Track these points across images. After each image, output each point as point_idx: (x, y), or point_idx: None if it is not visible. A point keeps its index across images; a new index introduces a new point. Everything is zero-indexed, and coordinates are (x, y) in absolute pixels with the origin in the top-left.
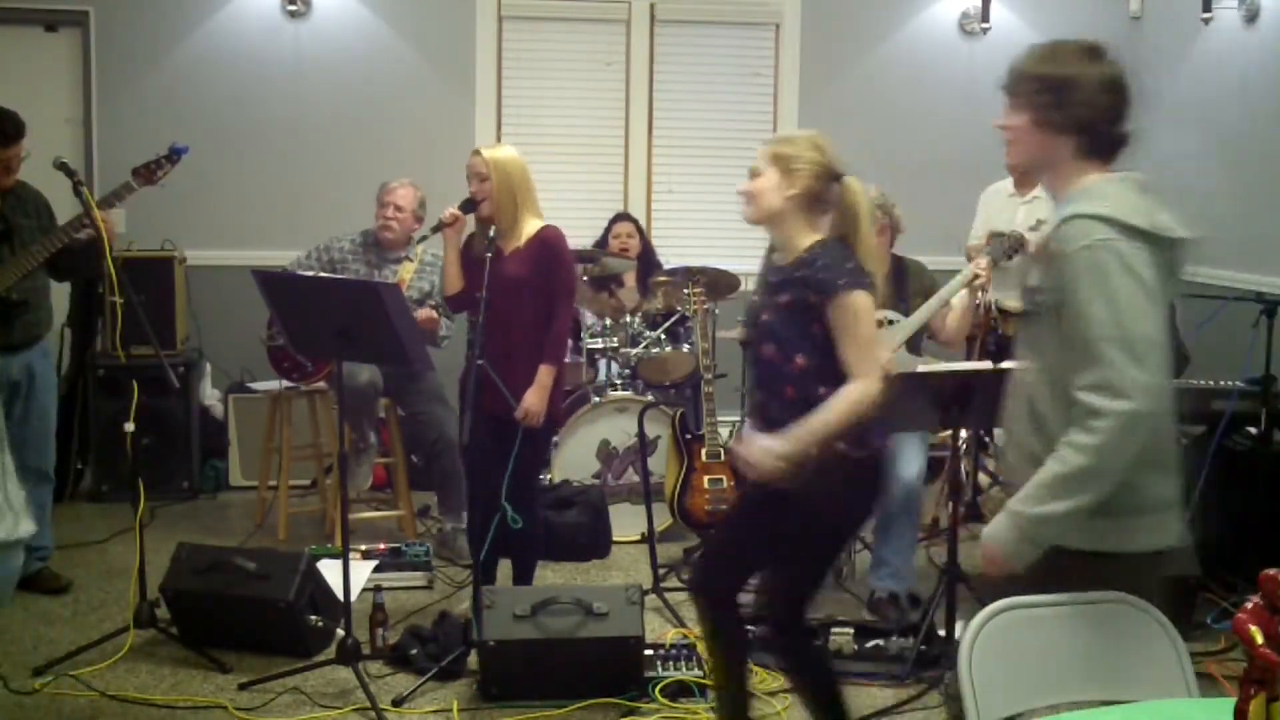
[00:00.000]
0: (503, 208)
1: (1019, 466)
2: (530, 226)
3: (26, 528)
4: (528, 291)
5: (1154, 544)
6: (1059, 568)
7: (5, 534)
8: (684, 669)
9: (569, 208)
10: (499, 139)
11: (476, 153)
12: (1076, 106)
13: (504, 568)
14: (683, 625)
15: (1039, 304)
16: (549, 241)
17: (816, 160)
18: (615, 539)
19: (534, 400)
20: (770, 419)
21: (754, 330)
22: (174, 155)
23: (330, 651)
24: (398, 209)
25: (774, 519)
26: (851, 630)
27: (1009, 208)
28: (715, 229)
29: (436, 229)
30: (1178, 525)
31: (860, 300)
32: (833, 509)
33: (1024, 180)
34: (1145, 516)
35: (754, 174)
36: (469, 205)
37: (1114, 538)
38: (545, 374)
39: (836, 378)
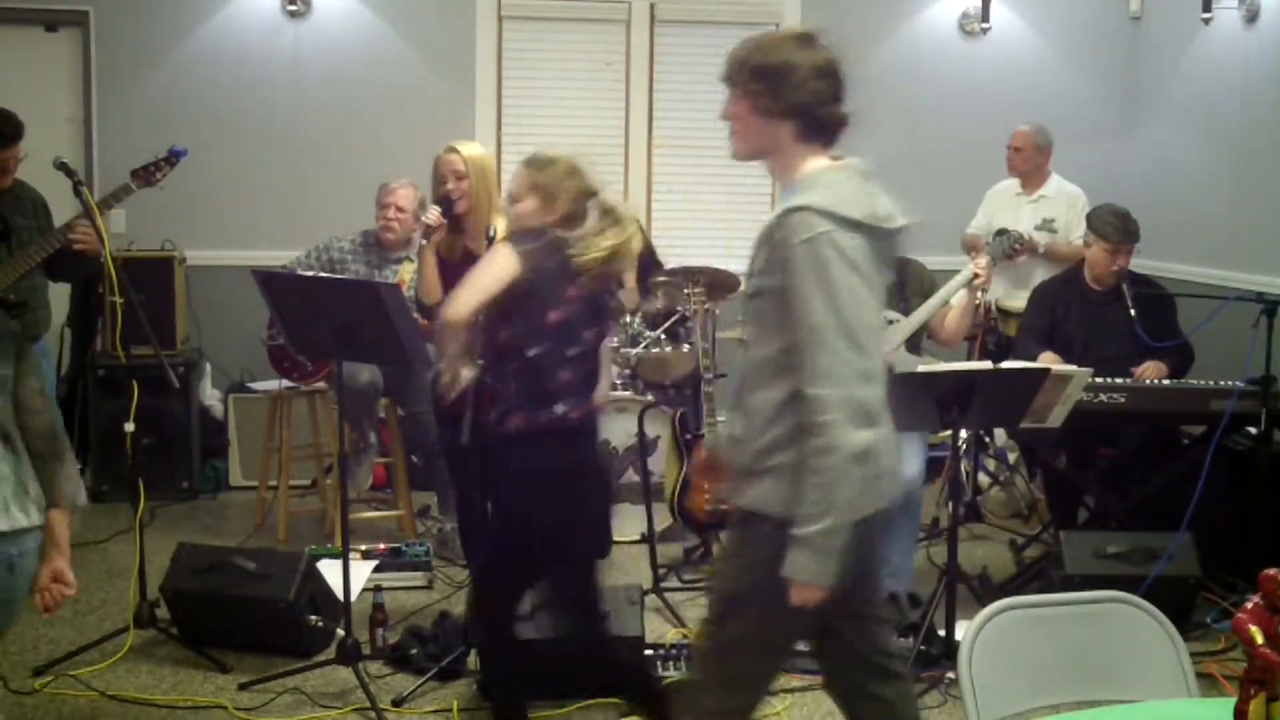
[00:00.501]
0: (479, 208)
1: (729, 446)
2: (501, 227)
3: (16, 520)
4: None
5: (878, 506)
6: (761, 534)
7: (7, 525)
8: (684, 669)
9: None
10: (499, 139)
11: (453, 150)
12: (791, 92)
13: None
14: (683, 625)
15: (760, 289)
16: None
17: (575, 187)
18: (615, 539)
19: None
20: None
21: None
22: (172, 157)
23: (330, 651)
24: (399, 210)
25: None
26: None
27: (1015, 206)
28: (715, 229)
29: (427, 234)
30: (886, 491)
31: (497, 249)
32: (514, 483)
33: (1030, 180)
34: (879, 482)
35: (514, 198)
36: (446, 205)
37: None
38: None
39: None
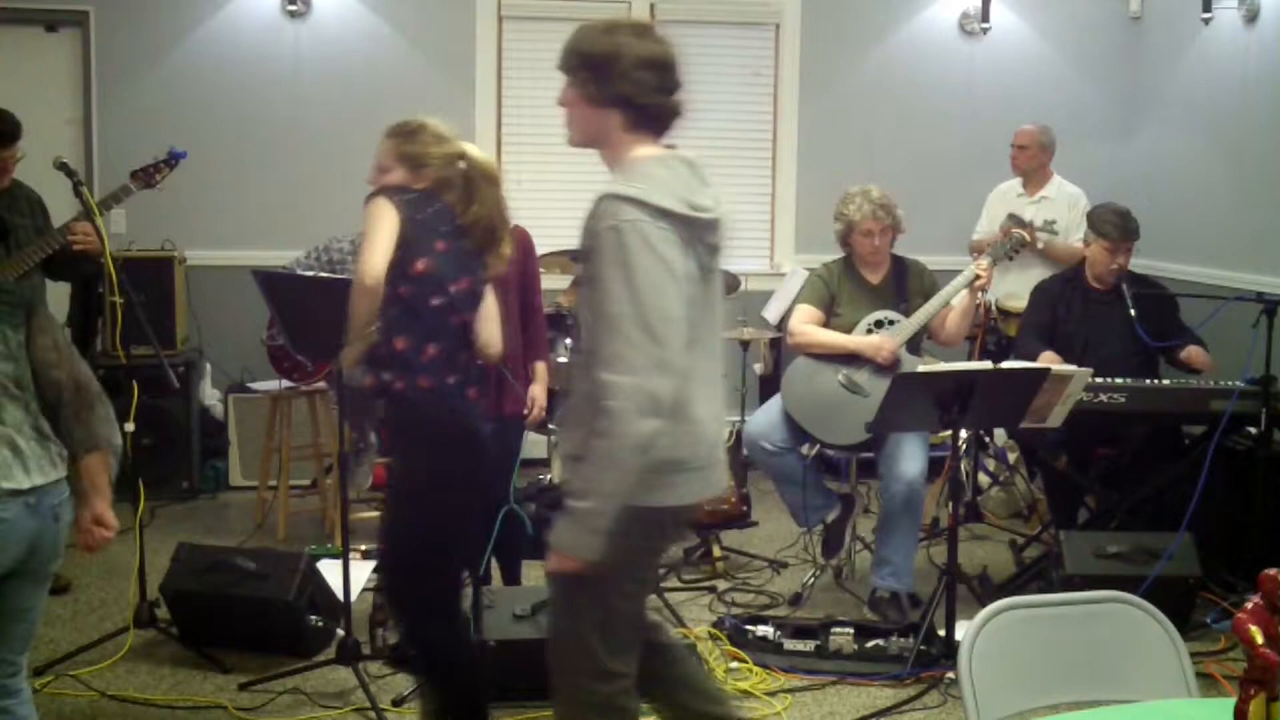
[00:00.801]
0: None
1: (565, 432)
2: None
3: (49, 473)
4: (514, 291)
5: (679, 500)
6: None
7: (14, 484)
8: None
9: (569, 208)
10: (499, 139)
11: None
12: (617, 81)
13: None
14: (683, 625)
15: (582, 277)
16: (526, 241)
17: (442, 153)
18: None
19: (544, 396)
20: None
21: None
22: (172, 159)
23: (330, 651)
24: None
25: None
26: (851, 630)
27: (1017, 207)
28: None
29: None
30: (704, 484)
31: (374, 203)
32: (400, 450)
33: (1032, 180)
34: (671, 475)
35: (382, 170)
36: None
37: (640, 494)
38: (544, 369)
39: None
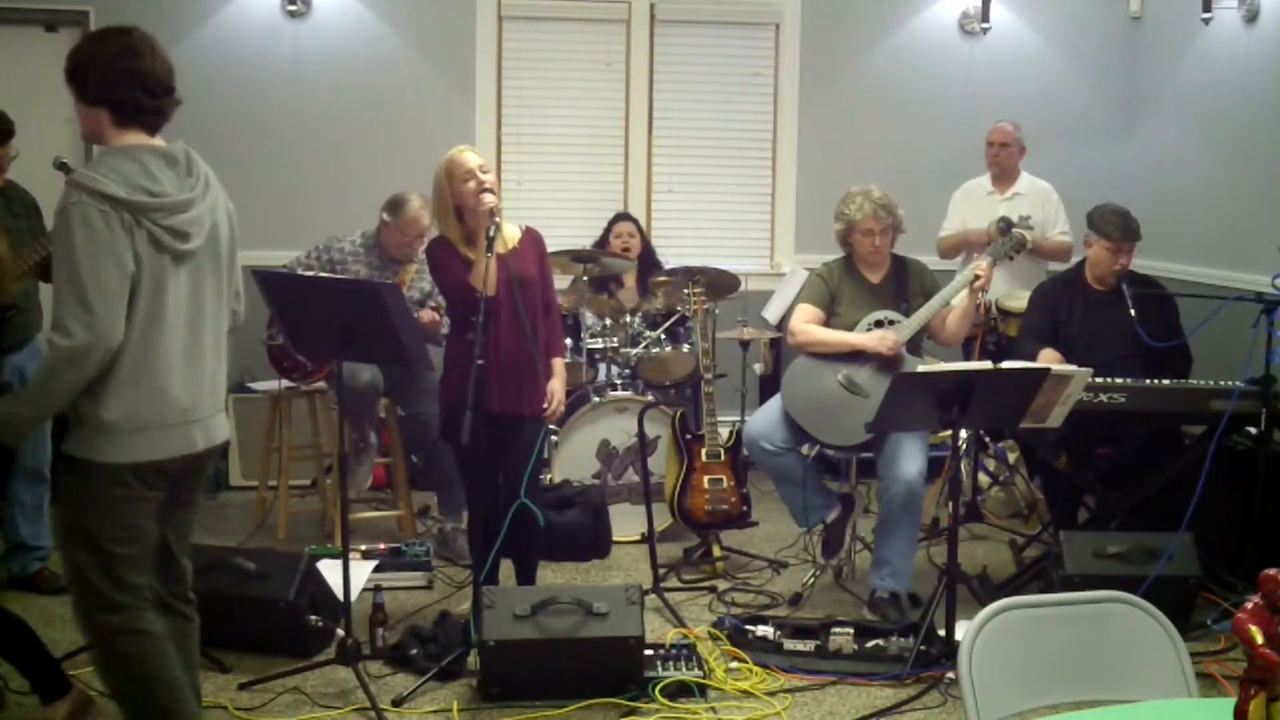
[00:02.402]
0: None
1: None
2: (510, 226)
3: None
4: (537, 288)
5: (147, 455)
6: (79, 476)
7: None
8: (684, 669)
9: (569, 208)
10: (499, 139)
11: (465, 149)
12: (96, 83)
13: (506, 568)
14: (683, 625)
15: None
16: (541, 240)
17: None
18: (615, 539)
19: (562, 392)
20: None
21: None
22: None
23: (330, 651)
24: (420, 236)
25: None
26: (851, 630)
27: (988, 205)
28: (715, 229)
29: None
30: (179, 442)
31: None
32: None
33: (1002, 178)
34: (134, 435)
35: None
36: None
37: (85, 448)
38: (561, 365)
39: None
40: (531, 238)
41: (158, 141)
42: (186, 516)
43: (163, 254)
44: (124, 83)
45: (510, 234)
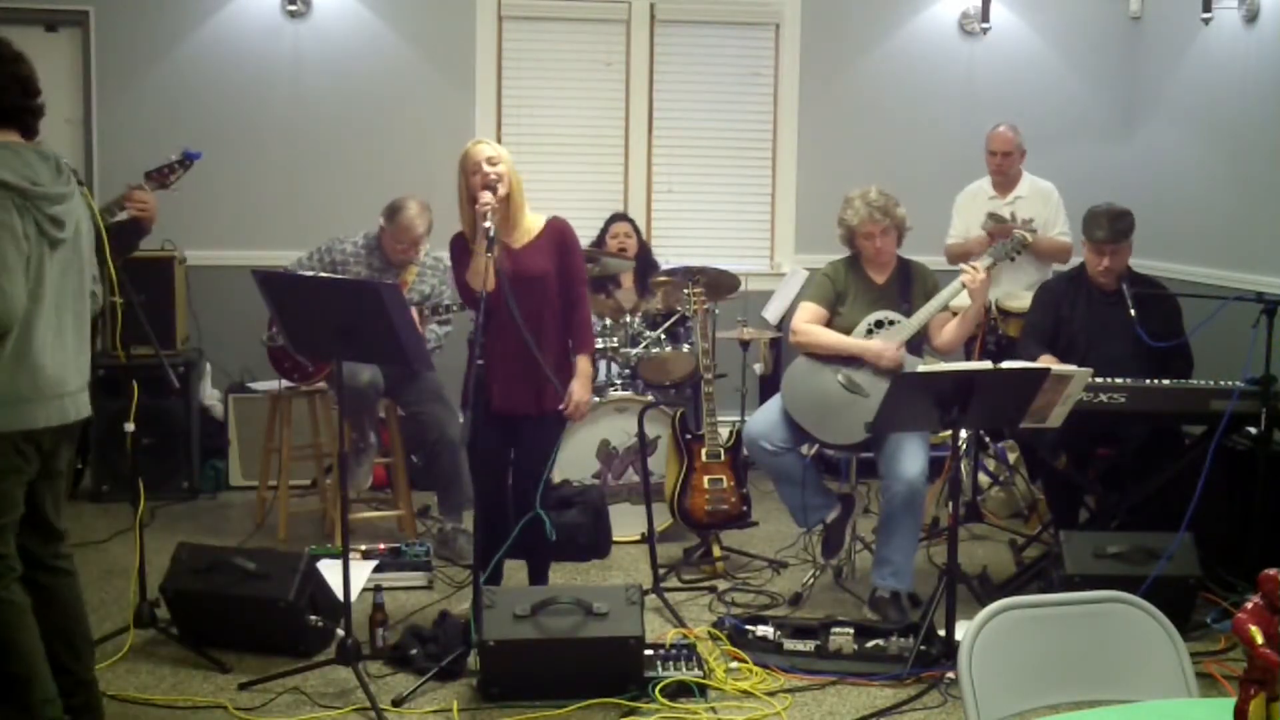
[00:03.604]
0: (514, 197)
1: None
2: (534, 219)
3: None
4: (553, 283)
5: (20, 425)
6: None
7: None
8: (684, 669)
9: (569, 208)
10: (499, 139)
11: (480, 141)
12: None
13: (509, 567)
14: (683, 625)
15: None
16: (566, 232)
17: None
18: (615, 539)
19: (583, 392)
20: None
21: None
22: (187, 160)
23: (330, 651)
24: (415, 243)
25: None
26: (851, 630)
27: (994, 209)
28: (715, 229)
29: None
30: (52, 413)
31: None
32: None
33: (1004, 182)
34: (10, 407)
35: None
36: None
37: None
38: (586, 363)
39: None
40: (554, 229)
41: (28, 142)
42: (59, 485)
43: (43, 239)
44: (9, 87)
45: (532, 225)
